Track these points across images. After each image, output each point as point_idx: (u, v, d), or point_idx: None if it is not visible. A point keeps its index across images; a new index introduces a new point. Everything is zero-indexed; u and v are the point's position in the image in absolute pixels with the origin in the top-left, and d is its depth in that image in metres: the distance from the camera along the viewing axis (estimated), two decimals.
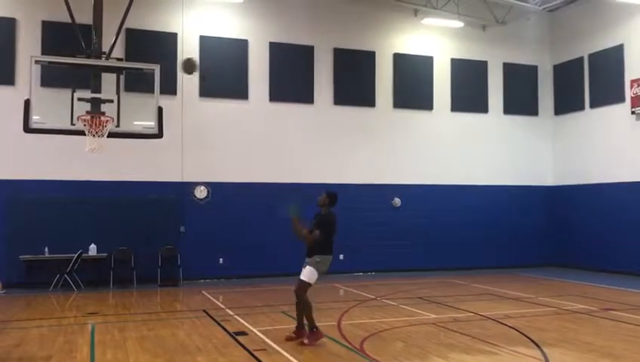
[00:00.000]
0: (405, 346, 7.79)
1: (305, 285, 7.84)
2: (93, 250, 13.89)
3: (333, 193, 8.38)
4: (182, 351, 7.50)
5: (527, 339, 7.95)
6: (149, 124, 9.84)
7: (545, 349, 7.34)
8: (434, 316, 9.85)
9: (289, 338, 7.87)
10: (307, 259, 8.05)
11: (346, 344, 7.78)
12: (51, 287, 13.22)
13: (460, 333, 8.43)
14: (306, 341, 7.68)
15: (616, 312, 10.11)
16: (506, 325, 8.97)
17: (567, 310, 10.51)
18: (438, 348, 7.61)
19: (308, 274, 7.86)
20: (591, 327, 9.05)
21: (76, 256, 13.40)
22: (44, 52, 13.17)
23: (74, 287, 13.25)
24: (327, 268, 8.01)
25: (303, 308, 7.81)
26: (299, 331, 7.93)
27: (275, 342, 7.82)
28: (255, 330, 8.68)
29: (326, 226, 8.08)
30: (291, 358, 7.00)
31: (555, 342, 7.82)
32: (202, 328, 9.02)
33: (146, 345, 7.84)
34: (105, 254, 13.98)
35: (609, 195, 16.33)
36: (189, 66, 8.23)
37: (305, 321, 7.83)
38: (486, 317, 9.66)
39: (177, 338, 8.38)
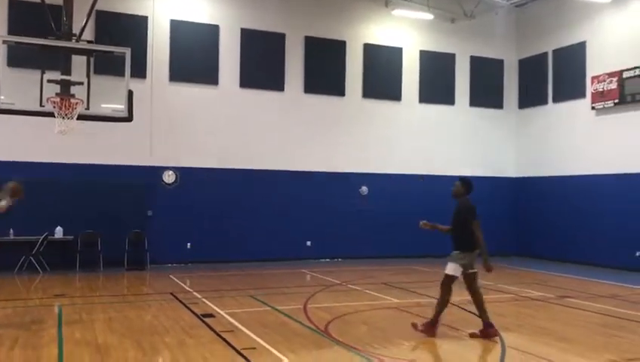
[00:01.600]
0: (369, 329, 8.06)
1: (448, 278, 7.64)
2: (59, 232, 13.81)
3: (467, 180, 8.01)
4: (150, 332, 7.61)
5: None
6: (118, 106, 9.84)
7: (502, 333, 7.66)
8: (397, 301, 10.14)
9: (473, 336, 7.50)
10: (451, 254, 7.81)
11: (312, 326, 8.00)
12: (16, 269, 13.12)
13: (422, 317, 8.69)
14: (477, 333, 7.45)
15: (572, 300, 10.55)
16: (465, 310, 9.29)
17: (525, 297, 10.92)
18: (400, 330, 7.89)
19: (450, 269, 7.64)
20: (547, 313, 9.46)
21: (42, 238, 13.32)
22: (10, 32, 12.98)
23: (39, 270, 13.17)
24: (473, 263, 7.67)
25: (478, 298, 7.63)
26: (485, 327, 7.48)
27: (242, 324, 7.98)
28: (222, 313, 8.83)
29: (473, 213, 7.67)
30: (258, 339, 7.17)
31: (512, 327, 8.18)
32: (170, 310, 9.13)
33: (114, 326, 7.93)
34: (71, 237, 13.91)
35: (570, 187, 16.86)
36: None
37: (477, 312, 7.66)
38: None
39: (145, 320, 8.50)
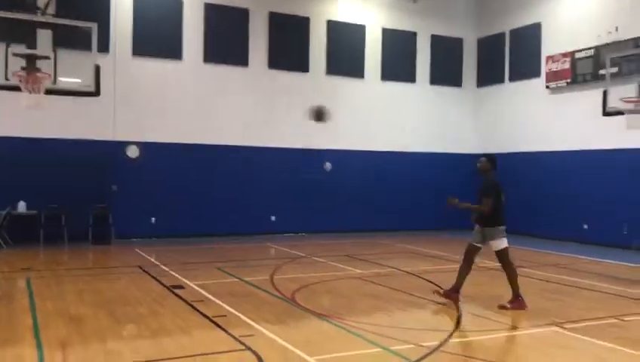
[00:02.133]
0: (333, 296, 8.47)
1: (503, 252, 7.81)
2: (22, 207, 13.74)
3: (493, 156, 8.13)
4: (122, 303, 7.83)
5: (442, 290, 8.76)
6: (77, 80, 9.84)
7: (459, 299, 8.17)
8: (359, 271, 10.58)
9: (502, 307, 7.65)
10: (485, 234, 7.94)
11: (279, 295, 8.35)
12: None
13: (382, 286, 9.19)
14: (508, 305, 7.64)
15: (525, 269, 11.15)
16: (423, 279, 9.81)
17: (482, 267, 11.44)
18: (362, 297, 8.32)
19: (498, 245, 7.81)
20: (499, 281, 9.94)
21: (5, 213, 13.25)
22: None
23: (2, 244, 13.10)
24: (504, 236, 7.87)
25: (510, 273, 7.83)
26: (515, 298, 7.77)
27: (211, 294, 8.26)
28: (191, 284, 9.07)
29: (492, 190, 7.86)
30: (228, 307, 7.48)
31: (468, 294, 8.67)
32: (139, 282, 9.34)
33: (86, 298, 8.13)
34: (35, 211, 13.85)
35: (524, 163, 17.54)
36: (319, 115, 8.06)
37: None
38: (406, 272, 10.49)
39: (116, 291, 8.70)
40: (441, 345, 5.93)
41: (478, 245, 8.04)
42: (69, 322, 6.78)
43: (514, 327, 6.79)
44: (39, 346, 5.78)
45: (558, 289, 9.24)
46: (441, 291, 8.15)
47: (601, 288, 9.26)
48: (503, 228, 7.88)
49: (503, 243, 7.81)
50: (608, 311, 7.69)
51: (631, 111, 10.29)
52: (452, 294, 8.02)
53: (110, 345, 5.94)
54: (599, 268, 11.55)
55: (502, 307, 7.71)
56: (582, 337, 6.38)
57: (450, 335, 6.32)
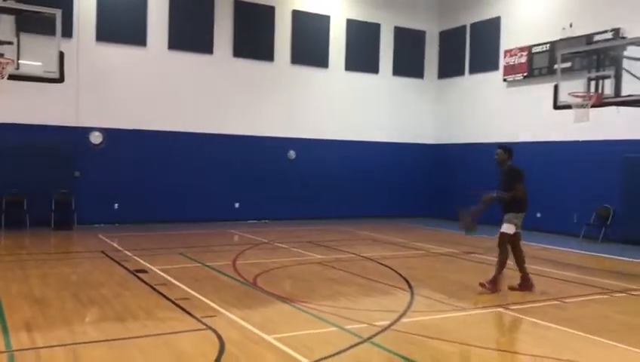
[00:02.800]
0: (293, 280, 8.79)
1: (505, 236, 8.16)
2: None
3: (509, 147, 8.47)
4: (86, 286, 8.01)
5: (398, 275, 9.18)
6: (40, 64, 9.84)
7: (411, 282, 8.59)
8: (320, 256, 10.91)
9: (512, 288, 8.12)
10: (505, 216, 8.26)
11: (241, 279, 8.63)
12: None
13: (342, 270, 9.54)
14: (487, 285, 7.95)
15: (475, 255, 11.69)
16: (382, 264, 10.20)
17: (435, 253, 11.98)
18: (321, 281, 8.66)
19: (506, 228, 8.17)
20: (452, 266, 10.52)
21: None
22: None
23: None
24: (521, 222, 8.23)
25: (520, 256, 8.19)
26: (524, 281, 8.19)
27: (174, 278, 8.48)
28: (154, 268, 9.27)
29: (519, 178, 8.20)
30: (191, 291, 7.72)
31: (421, 277, 9.13)
32: (103, 267, 9.49)
33: (50, 281, 8.26)
34: None
35: (482, 154, 18.04)
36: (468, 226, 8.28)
37: (498, 271, 8.12)
38: (365, 258, 10.87)
39: (80, 275, 8.86)
40: (392, 324, 6.30)
41: (519, 231, 8.32)
42: (34, 304, 6.93)
43: (462, 309, 7.20)
44: (4, 328, 5.94)
45: (508, 274, 9.69)
46: (515, 286, 8.26)
47: (549, 273, 9.78)
48: (522, 214, 8.23)
49: (511, 229, 8.14)
50: (552, 294, 8.19)
51: (577, 106, 10.81)
52: (525, 285, 8.24)
53: (75, 326, 6.14)
54: (548, 254, 12.14)
55: (511, 288, 8.14)
56: (522, 317, 6.85)
57: (401, 316, 6.70)
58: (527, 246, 13.08)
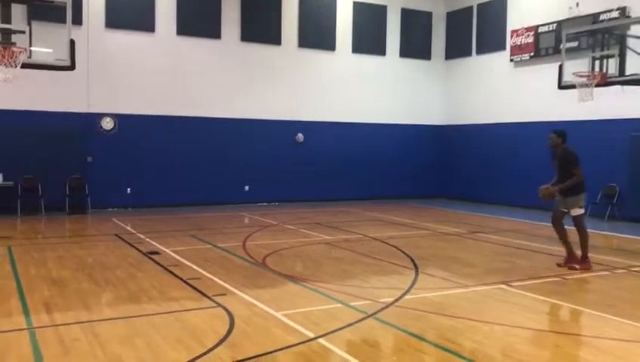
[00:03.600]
0: (301, 260, 9.04)
1: (579, 218, 8.39)
2: None
3: (561, 131, 8.53)
4: (101, 268, 8.29)
5: (404, 254, 9.40)
6: (51, 51, 10.00)
7: (416, 261, 8.81)
8: (328, 237, 11.14)
9: (558, 265, 8.48)
10: (567, 200, 8.40)
11: (250, 259, 8.88)
12: None
13: (349, 250, 9.77)
14: (577, 266, 8.29)
15: (481, 234, 11.88)
16: (388, 244, 10.41)
17: (442, 233, 12.17)
18: (329, 261, 8.90)
19: (577, 211, 8.35)
20: (458, 246, 10.71)
21: None
22: None
23: None
24: (584, 201, 8.43)
25: (584, 236, 8.43)
26: (577, 259, 8.46)
27: (186, 259, 8.75)
28: (167, 250, 9.55)
29: (576, 160, 8.28)
30: (202, 271, 7.99)
31: (426, 256, 9.33)
32: (116, 249, 9.77)
33: (66, 263, 8.55)
34: (11, 183, 14.11)
35: (490, 134, 18.22)
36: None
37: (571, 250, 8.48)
38: (373, 238, 11.09)
39: (94, 257, 9.14)
40: (395, 301, 6.53)
41: (564, 210, 8.53)
42: (52, 284, 7.22)
43: (464, 286, 7.40)
44: (25, 307, 6.23)
45: (512, 253, 9.91)
46: (562, 264, 8.56)
47: (551, 250, 9.91)
48: (583, 194, 8.39)
49: (577, 211, 8.35)
50: (554, 270, 8.37)
51: (581, 85, 10.88)
52: (573, 263, 8.46)
53: (92, 305, 6.42)
54: (553, 232, 12.25)
55: (571, 268, 8.33)
56: (524, 293, 7.04)
57: (405, 293, 6.92)
58: (533, 224, 13.34)
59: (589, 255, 8.57)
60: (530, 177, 16.62)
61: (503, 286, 7.41)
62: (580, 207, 8.40)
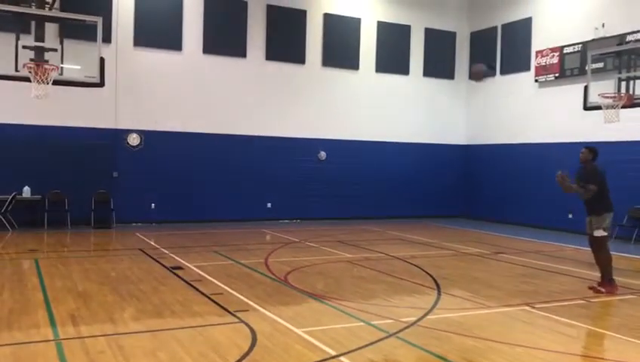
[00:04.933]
0: (323, 277, 9.05)
1: (601, 240, 8.25)
2: (27, 192, 14.27)
3: (593, 148, 8.46)
4: (125, 281, 8.40)
5: (426, 274, 9.37)
6: (80, 69, 10.30)
7: (438, 281, 8.77)
8: (349, 255, 11.15)
9: (591, 288, 8.29)
10: (588, 218, 8.35)
11: (272, 276, 8.93)
12: None
13: (370, 269, 9.77)
14: (603, 290, 8.15)
15: (504, 255, 11.78)
16: (410, 263, 10.38)
17: (464, 253, 12.09)
18: (350, 279, 8.91)
19: (598, 233, 8.22)
20: (480, 266, 10.63)
21: (10, 197, 13.78)
22: None
23: (9, 227, 13.66)
24: (609, 223, 8.27)
25: (605, 260, 8.30)
26: (603, 282, 8.33)
27: (209, 275, 8.83)
28: (190, 265, 9.64)
29: (596, 177, 8.20)
30: (225, 286, 8.05)
31: (449, 276, 9.28)
32: (141, 263, 9.90)
33: (91, 276, 8.68)
34: (39, 196, 14.40)
35: (513, 155, 18.11)
36: (477, 74, 8.66)
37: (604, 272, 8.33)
38: (394, 257, 11.06)
39: (119, 271, 9.27)
40: (418, 321, 6.50)
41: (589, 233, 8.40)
42: (77, 297, 7.34)
43: (487, 307, 7.35)
44: (52, 319, 6.34)
45: (536, 274, 9.80)
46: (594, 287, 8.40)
47: (577, 273, 9.81)
48: (607, 214, 8.21)
49: (601, 232, 8.20)
50: (578, 293, 8.26)
51: (607, 106, 10.81)
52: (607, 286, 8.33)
53: (117, 318, 6.51)
54: (579, 255, 12.11)
55: (597, 291, 8.19)
56: (547, 315, 6.96)
57: (428, 313, 6.89)
58: (558, 246, 13.19)
59: (616, 278, 8.44)
60: (554, 198, 16.51)
61: (527, 307, 7.34)
62: (604, 229, 8.25)
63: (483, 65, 8.40)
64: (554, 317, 6.89)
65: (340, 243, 12.83)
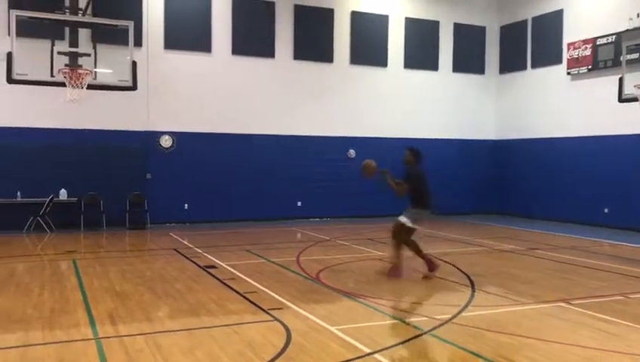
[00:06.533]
0: (355, 276, 9.07)
1: (406, 229, 8.79)
2: (63, 194, 14.61)
3: (414, 149, 9.09)
4: (160, 280, 8.55)
5: (459, 271, 9.31)
6: (113, 73, 10.52)
7: (472, 278, 8.70)
8: (380, 253, 11.13)
9: (425, 277, 8.63)
10: (408, 208, 8.94)
11: (304, 274, 8.98)
12: (25, 229, 13.94)
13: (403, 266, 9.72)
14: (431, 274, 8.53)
15: (539, 251, 11.62)
16: (442, 260, 10.30)
17: (498, 249, 11.98)
18: (381, 277, 8.89)
19: (402, 219, 8.87)
20: (515, 262, 10.52)
21: (48, 199, 14.11)
22: (17, 5, 13.49)
23: (47, 229, 14.00)
24: (424, 219, 8.97)
25: (396, 245, 8.83)
26: (430, 265, 8.70)
27: (242, 273, 8.93)
28: (223, 264, 9.76)
29: (412, 179, 8.87)
30: (258, 285, 8.13)
31: (482, 273, 9.21)
32: (175, 263, 10.05)
33: (128, 276, 8.86)
34: (75, 199, 14.72)
35: (546, 149, 17.84)
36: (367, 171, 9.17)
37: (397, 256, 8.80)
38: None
39: (154, 271, 9.44)
40: (452, 318, 6.47)
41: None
42: (115, 296, 7.50)
43: (522, 303, 7.27)
44: (91, 318, 6.49)
45: (571, 270, 9.66)
46: None
47: (615, 269, 9.64)
48: (421, 211, 8.87)
49: (408, 221, 8.77)
50: (616, 289, 8.13)
51: None
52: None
53: (153, 316, 6.64)
54: (616, 250, 11.92)
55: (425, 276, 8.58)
56: (584, 311, 6.85)
57: (462, 310, 6.85)
58: (593, 241, 12.95)
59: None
60: (588, 192, 16.25)
61: (563, 304, 7.24)
62: (413, 221, 8.78)
63: (373, 161, 8.83)
64: (591, 313, 6.78)
65: (371, 241, 12.83)
